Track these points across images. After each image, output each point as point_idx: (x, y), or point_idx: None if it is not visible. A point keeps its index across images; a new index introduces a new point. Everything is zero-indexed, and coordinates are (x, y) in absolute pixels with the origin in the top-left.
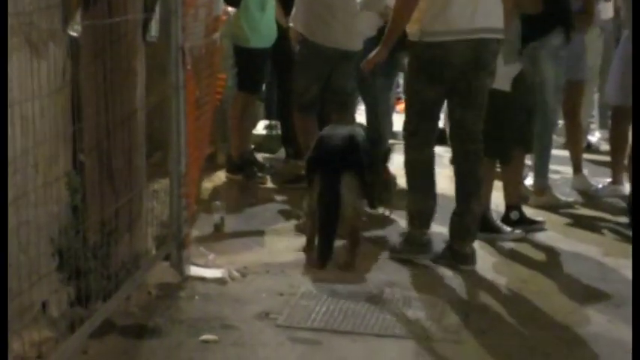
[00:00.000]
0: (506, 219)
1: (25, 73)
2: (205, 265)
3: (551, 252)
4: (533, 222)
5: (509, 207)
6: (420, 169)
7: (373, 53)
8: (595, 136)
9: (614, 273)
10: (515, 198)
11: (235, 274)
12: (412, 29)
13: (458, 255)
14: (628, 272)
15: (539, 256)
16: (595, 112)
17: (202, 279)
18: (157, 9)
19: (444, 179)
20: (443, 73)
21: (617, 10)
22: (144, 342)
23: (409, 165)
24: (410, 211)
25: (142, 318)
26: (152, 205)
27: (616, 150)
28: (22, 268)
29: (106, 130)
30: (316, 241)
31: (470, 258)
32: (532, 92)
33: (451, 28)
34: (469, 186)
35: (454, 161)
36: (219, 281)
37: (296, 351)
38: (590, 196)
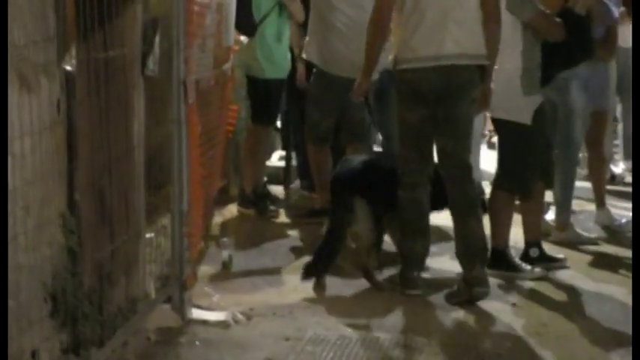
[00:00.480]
0: (525, 256)
1: (16, 109)
2: (209, 307)
3: (572, 292)
4: (553, 259)
5: (529, 244)
6: (411, 209)
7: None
8: (619, 167)
9: None
10: (535, 234)
11: (240, 316)
12: (389, 58)
13: (469, 280)
14: None
15: (560, 296)
16: (619, 142)
17: (205, 322)
18: (157, 41)
19: None
20: (417, 99)
21: None
22: None
23: (401, 204)
24: (401, 252)
25: None
26: (159, 240)
27: None
28: (10, 313)
29: (102, 168)
30: None
31: (482, 281)
32: (553, 125)
33: (417, 55)
34: (462, 207)
35: (446, 188)
36: (223, 325)
37: None
38: (613, 232)
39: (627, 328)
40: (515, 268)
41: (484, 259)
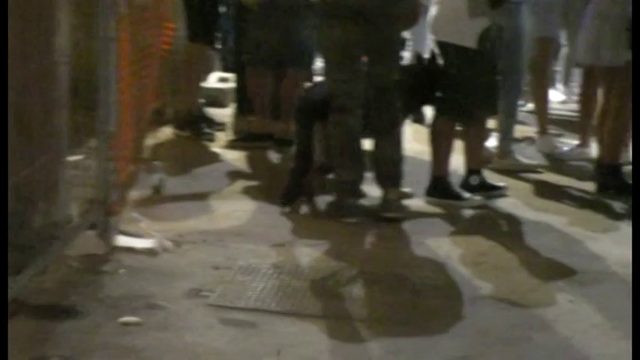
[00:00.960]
0: (465, 184)
1: None
2: (136, 234)
3: (512, 221)
4: (494, 187)
5: (470, 171)
6: (342, 134)
7: None
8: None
9: (579, 246)
10: (477, 162)
11: (168, 244)
12: None
13: (382, 204)
14: (594, 245)
15: (500, 226)
16: (560, 68)
17: (131, 250)
18: None
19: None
20: (342, 16)
21: None
22: (56, 324)
23: (331, 129)
24: (335, 178)
25: (58, 296)
26: (88, 163)
27: (585, 112)
28: None
29: (22, 85)
30: None
31: (393, 205)
32: (499, 49)
33: None
34: (377, 129)
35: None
36: (150, 252)
37: (227, 335)
38: (555, 159)
39: (567, 259)
40: (454, 197)
41: (396, 182)
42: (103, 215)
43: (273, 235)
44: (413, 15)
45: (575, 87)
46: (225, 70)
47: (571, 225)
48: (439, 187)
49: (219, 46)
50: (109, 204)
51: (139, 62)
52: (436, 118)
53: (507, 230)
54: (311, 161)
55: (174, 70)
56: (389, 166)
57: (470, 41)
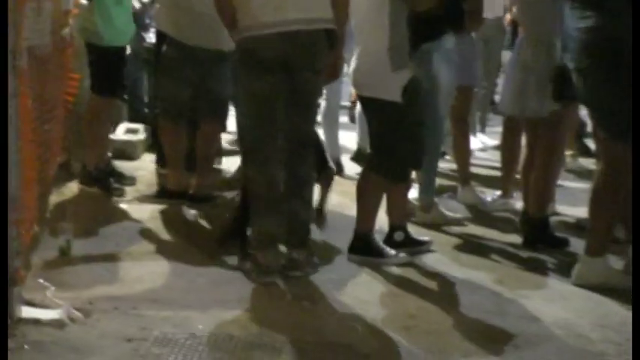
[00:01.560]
0: (389, 240)
1: None
2: (42, 303)
3: (440, 279)
4: (419, 242)
5: (394, 227)
6: (264, 185)
7: None
8: (478, 141)
9: (511, 305)
10: (401, 217)
11: (76, 314)
12: None
13: (289, 262)
14: (526, 304)
15: (428, 284)
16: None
17: (37, 322)
18: None
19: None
20: (263, 68)
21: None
22: None
23: (251, 182)
24: (252, 233)
25: None
26: None
27: (508, 161)
28: None
29: None
30: None
31: (298, 265)
32: (421, 101)
33: (258, 22)
34: (289, 186)
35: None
36: (57, 324)
37: None
38: (479, 211)
39: (499, 320)
40: (379, 253)
41: (303, 242)
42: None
43: (190, 300)
44: (334, 68)
45: (492, 133)
46: (135, 120)
47: (501, 282)
48: (362, 243)
49: (126, 95)
50: (12, 272)
51: (41, 117)
52: (365, 173)
53: (436, 289)
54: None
55: (80, 122)
56: (296, 224)
57: (395, 95)
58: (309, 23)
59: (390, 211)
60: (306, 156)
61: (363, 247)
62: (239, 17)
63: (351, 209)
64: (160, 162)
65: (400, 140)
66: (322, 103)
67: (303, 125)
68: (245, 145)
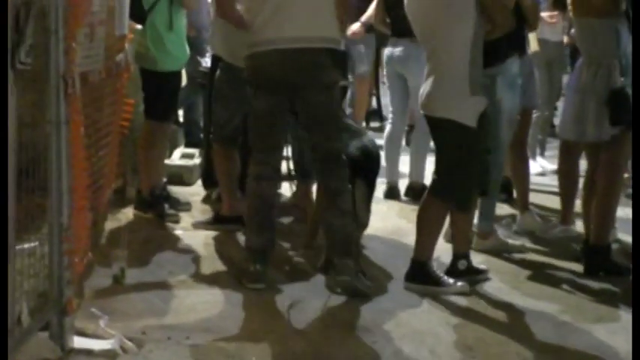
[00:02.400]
0: (452, 268)
1: None
2: (94, 333)
3: (500, 309)
4: (479, 271)
5: (458, 256)
6: (255, 201)
7: None
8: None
9: (574, 337)
10: (466, 246)
11: (129, 344)
12: None
13: (334, 266)
14: (589, 336)
15: (487, 314)
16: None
17: (89, 353)
18: (30, 30)
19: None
20: (266, 87)
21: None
22: None
23: (248, 194)
24: (246, 244)
25: None
26: (43, 250)
27: (566, 187)
28: None
29: None
30: None
31: (344, 269)
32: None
33: (260, 39)
34: (325, 199)
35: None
36: (109, 355)
37: None
38: (538, 238)
39: (562, 353)
40: (437, 283)
41: (345, 250)
42: (58, 315)
43: (244, 330)
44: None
45: (553, 157)
46: (190, 145)
47: (562, 312)
48: (421, 272)
49: (181, 120)
50: (64, 302)
51: (95, 144)
52: (428, 199)
53: (495, 319)
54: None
55: (135, 147)
56: (332, 234)
57: (471, 120)
58: (309, 42)
59: (455, 239)
60: (335, 170)
61: (421, 276)
62: (248, 34)
63: (407, 235)
64: (206, 182)
65: (470, 166)
66: (387, 126)
67: (325, 142)
68: (252, 157)
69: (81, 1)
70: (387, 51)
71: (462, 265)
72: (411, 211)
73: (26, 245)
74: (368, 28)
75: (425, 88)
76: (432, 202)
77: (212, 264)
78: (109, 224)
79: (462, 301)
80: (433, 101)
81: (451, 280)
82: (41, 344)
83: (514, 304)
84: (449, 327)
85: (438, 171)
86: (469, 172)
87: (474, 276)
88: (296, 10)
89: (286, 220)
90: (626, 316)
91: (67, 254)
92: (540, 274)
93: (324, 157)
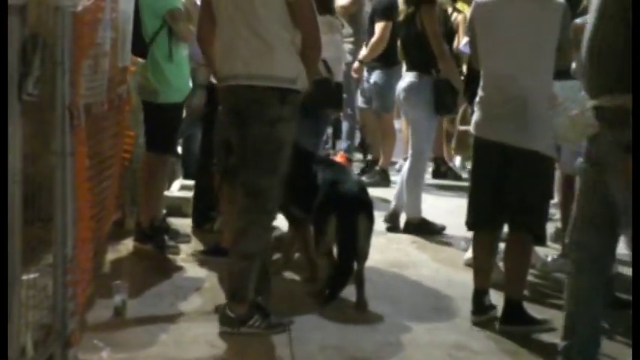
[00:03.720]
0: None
1: None
2: None
3: (504, 339)
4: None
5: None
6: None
7: None
8: None
9: None
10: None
11: None
12: None
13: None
14: None
15: (490, 347)
16: None
17: None
18: (38, 61)
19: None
20: (226, 117)
21: None
22: None
23: None
24: None
25: None
26: (44, 282)
27: (568, 219)
28: None
29: None
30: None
31: (231, 321)
32: None
33: (219, 73)
34: (239, 225)
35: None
36: None
37: None
38: (538, 271)
39: None
40: (532, 321)
41: (234, 295)
42: (61, 347)
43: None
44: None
45: None
46: (188, 177)
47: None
48: (518, 313)
49: (180, 152)
50: (68, 334)
51: (97, 176)
52: (515, 235)
53: (501, 351)
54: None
55: (135, 179)
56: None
57: (551, 150)
58: (250, 79)
59: (478, 276)
60: (250, 207)
61: (519, 317)
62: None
63: (407, 267)
64: (196, 221)
65: (547, 196)
66: (407, 161)
67: (250, 176)
68: None
69: (86, 33)
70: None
71: (487, 300)
72: (411, 243)
73: (26, 277)
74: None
75: (504, 114)
76: (520, 239)
77: (213, 295)
78: (109, 256)
79: (463, 335)
80: (514, 129)
81: (538, 317)
82: None
83: (516, 337)
84: None
85: (520, 203)
86: (546, 202)
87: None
88: (244, 50)
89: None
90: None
91: (70, 285)
92: (545, 303)
93: (246, 191)
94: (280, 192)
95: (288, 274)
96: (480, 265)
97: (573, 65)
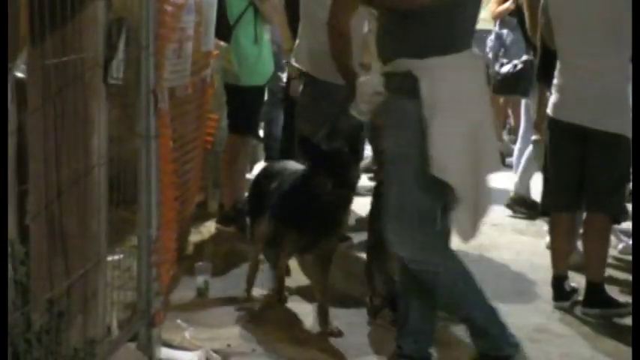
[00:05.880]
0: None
1: None
2: (180, 344)
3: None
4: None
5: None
6: None
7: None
8: None
9: None
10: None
11: (214, 356)
12: None
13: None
14: None
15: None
16: None
17: None
18: (122, 45)
19: None
20: None
21: None
22: None
23: None
24: None
25: None
26: (129, 262)
27: None
28: None
29: (57, 190)
30: None
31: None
32: None
33: None
34: None
35: None
36: None
37: None
38: (621, 253)
39: None
40: (615, 304)
41: None
42: (146, 326)
43: (331, 341)
44: None
45: None
46: (270, 159)
47: None
48: (600, 295)
49: (261, 135)
50: (152, 314)
51: (182, 158)
52: (592, 216)
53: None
54: None
55: (217, 161)
56: None
57: (629, 129)
58: None
59: (556, 260)
60: None
61: (601, 299)
62: None
63: (489, 250)
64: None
65: (626, 178)
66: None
67: None
68: None
69: (170, 17)
70: None
71: (567, 286)
72: (492, 226)
73: (111, 258)
74: None
75: (579, 97)
76: (598, 220)
77: (295, 277)
78: (192, 237)
79: (544, 318)
80: (592, 112)
81: (621, 300)
82: (130, 355)
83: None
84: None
85: (594, 184)
86: (624, 182)
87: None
88: None
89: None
90: None
91: (155, 266)
92: (622, 291)
93: None
94: None
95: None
96: (559, 249)
97: None
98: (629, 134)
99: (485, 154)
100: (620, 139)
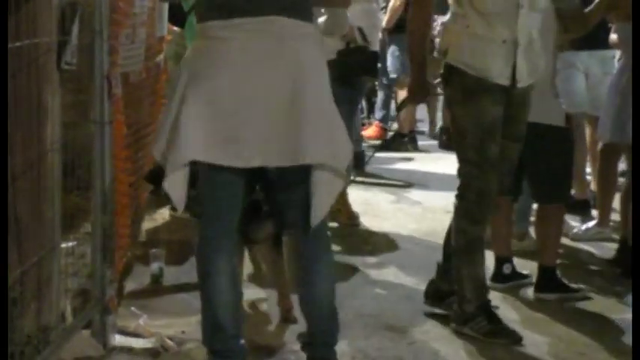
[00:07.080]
0: (499, 274)
1: None
2: (135, 331)
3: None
4: (523, 276)
5: (502, 260)
6: None
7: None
8: None
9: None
10: (509, 249)
11: (169, 343)
12: None
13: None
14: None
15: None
16: None
17: (130, 350)
18: (76, 31)
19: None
20: None
21: None
22: None
23: None
24: None
25: None
26: (83, 250)
27: (603, 189)
28: None
29: (10, 176)
30: None
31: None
32: None
33: None
34: None
35: None
36: (150, 353)
37: None
38: (572, 239)
39: None
40: (566, 289)
41: None
42: (100, 313)
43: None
44: None
45: None
46: None
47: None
48: (552, 279)
49: None
50: (106, 301)
51: (135, 144)
52: (543, 207)
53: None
54: None
55: None
56: None
57: (561, 120)
58: None
59: (496, 243)
60: None
61: (554, 284)
62: None
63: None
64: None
65: (568, 164)
66: None
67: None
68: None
69: (124, 2)
70: None
71: (506, 268)
72: (445, 213)
73: (65, 245)
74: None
75: None
76: (548, 209)
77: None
78: (146, 224)
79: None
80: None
81: (573, 285)
82: (84, 342)
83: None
84: None
85: (546, 177)
86: (568, 169)
87: (520, 280)
88: None
89: None
90: None
91: (109, 252)
92: (574, 277)
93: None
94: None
95: None
96: (499, 231)
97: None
98: (561, 123)
99: None
100: (552, 129)
